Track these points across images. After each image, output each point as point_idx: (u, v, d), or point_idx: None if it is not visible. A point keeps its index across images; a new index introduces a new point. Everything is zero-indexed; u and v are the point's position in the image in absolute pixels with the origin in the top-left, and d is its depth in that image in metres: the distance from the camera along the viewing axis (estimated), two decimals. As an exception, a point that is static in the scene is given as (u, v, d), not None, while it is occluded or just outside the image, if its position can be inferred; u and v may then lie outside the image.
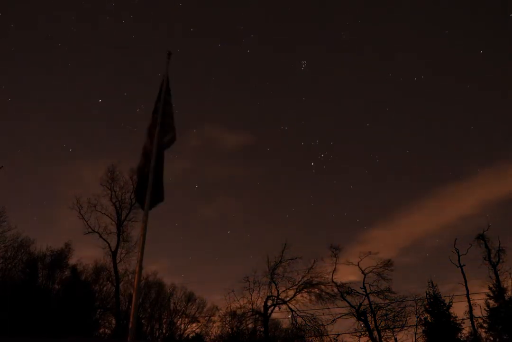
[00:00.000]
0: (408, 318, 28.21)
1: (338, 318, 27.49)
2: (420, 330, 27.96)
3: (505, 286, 26.67)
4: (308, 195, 52.74)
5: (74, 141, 50.84)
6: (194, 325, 32.86)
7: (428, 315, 27.95)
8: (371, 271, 28.33)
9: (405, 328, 28.08)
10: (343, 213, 51.21)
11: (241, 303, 27.78)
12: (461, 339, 26.92)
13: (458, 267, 27.76)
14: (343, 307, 27.88)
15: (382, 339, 27.29)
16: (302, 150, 50.23)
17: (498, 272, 26.78)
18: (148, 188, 4.42)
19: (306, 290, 27.62)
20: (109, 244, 27.03)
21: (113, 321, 28.26)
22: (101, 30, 46.98)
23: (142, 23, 48.66)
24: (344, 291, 28.07)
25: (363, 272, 28.46)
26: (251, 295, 27.79)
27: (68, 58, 47.58)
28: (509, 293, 26.69)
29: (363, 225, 48.79)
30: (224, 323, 30.47)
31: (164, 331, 32.50)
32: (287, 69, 51.05)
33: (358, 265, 28.59)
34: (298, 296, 27.59)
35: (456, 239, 28.50)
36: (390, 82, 48.98)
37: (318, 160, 51.10)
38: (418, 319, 28.20)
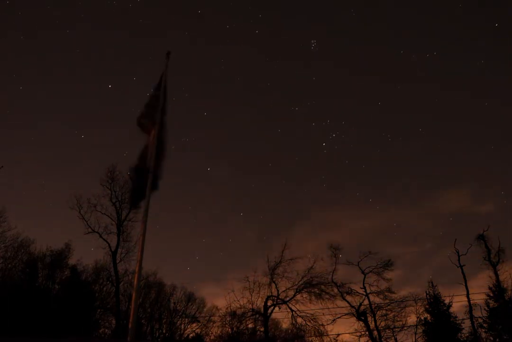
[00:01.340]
0: (408, 318, 28.29)
1: (338, 318, 27.55)
2: (420, 330, 28.01)
3: (505, 286, 26.73)
4: (320, 175, 52.60)
5: (75, 140, 50.77)
6: (194, 325, 32.87)
7: (428, 315, 27.97)
8: (371, 271, 28.39)
9: (405, 328, 28.14)
10: (355, 192, 51.05)
11: (241, 303, 27.85)
12: (461, 339, 26.94)
13: (458, 267, 27.84)
14: (343, 307, 27.94)
15: (382, 339, 27.32)
16: (313, 131, 49.97)
17: (498, 272, 26.84)
18: (148, 189, 4.43)
19: (306, 290, 27.66)
20: (109, 244, 27.08)
21: (113, 321, 28.26)
22: (108, 13, 46.70)
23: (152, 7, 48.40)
24: (344, 291, 28.12)
25: (363, 272, 28.51)
26: (251, 295, 27.85)
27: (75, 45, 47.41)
28: (509, 293, 26.73)
29: (376, 205, 48.63)
30: (224, 323, 30.50)
31: (164, 331, 32.49)
32: (296, 49, 50.64)
33: (358, 265, 28.66)
34: (298, 296, 27.66)
35: (456, 239, 28.59)
36: (402, 60, 48.40)
37: (329, 140, 50.94)
38: (418, 319, 28.26)
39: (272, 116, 51.42)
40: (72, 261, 27.41)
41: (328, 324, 27.28)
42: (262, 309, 27.47)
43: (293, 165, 50.95)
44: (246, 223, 47.86)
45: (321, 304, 27.10)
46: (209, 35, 48.71)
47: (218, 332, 31.41)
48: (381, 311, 27.99)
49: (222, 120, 50.90)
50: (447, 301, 27.85)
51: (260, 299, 27.87)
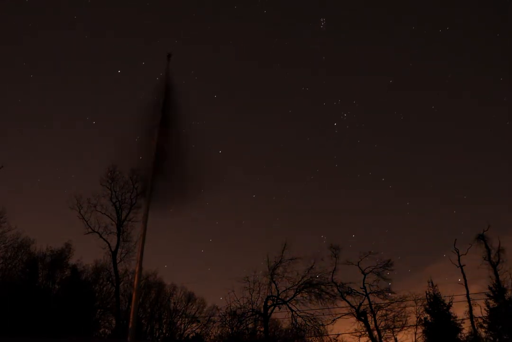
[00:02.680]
0: (408, 318, 28.29)
1: (338, 318, 27.54)
2: (420, 330, 28.02)
3: (505, 286, 26.73)
4: (332, 155, 52.22)
5: (74, 139, 50.72)
6: (194, 325, 32.87)
7: (428, 315, 27.99)
8: (371, 271, 28.39)
9: (405, 328, 28.15)
10: (368, 172, 50.73)
11: (241, 303, 27.84)
12: (461, 339, 26.96)
13: (458, 267, 27.86)
14: (343, 307, 27.95)
15: (382, 339, 27.33)
16: (323, 111, 49.55)
17: (498, 272, 26.84)
18: (148, 189, 4.41)
19: (306, 290, 27.65)
20: (109, 244, 27.09)
21: (113, 321, 28.28)
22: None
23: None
24: (344, 291, 28.11)
25: (363, 272, 28.51)
26: (251, 295, 27.83)
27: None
28: (509, 293, 26.75)
29: (388, 184, 48.25)
30: (224, 323, 30.50)
31: (164, 331, 32.51)
32: (306, 27, 50.23)
33: (358, 265, 28.66)
34: (298, 296, 27.64)
35: (456, 239, 28.61)
36: (413, 36, 47.71)
37: (340, 120, 50.59)
38: (418, 319, 28.26)
39: (282, 97, 50.91)
40: (72, 261, 27.48)
41: (328, 324, 27.30)
42: (262, 309, 27.47)
43: (304, 145, 50.40)
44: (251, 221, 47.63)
45: (321, 304, 27.12)
46: (218, 16, 48.40)
47: (218, 332, 31.46)
48: (381, 311, 28.02)
49: (232, 102, 50.44)
50: (447, 301, 27.93)
51: (260, 299, 27.89)
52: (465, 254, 27.95)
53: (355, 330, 27.51)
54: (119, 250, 27.10)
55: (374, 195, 47.05)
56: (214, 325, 31.50)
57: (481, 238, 27.67)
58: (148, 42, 48.97)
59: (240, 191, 49.09)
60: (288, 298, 27.65)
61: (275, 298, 27.70)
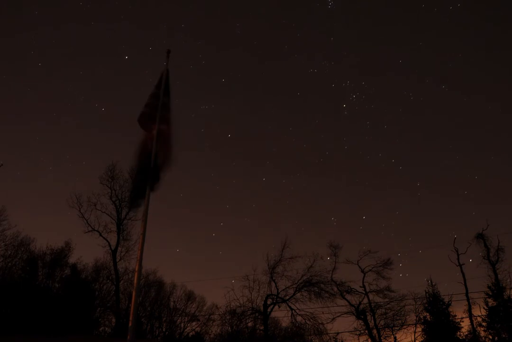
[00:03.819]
0: (408, 316, 28.33)
1: (337, 316, 27.57)
2: (419, 329, 28.06)
3: (504, 284, 26.75)
4: (341, 137, 52.06)
5: (75, 139, 50.77)
6: (194, 323, 32.92)
7: (428, 314, 28.01)
8: (370, 270, 28.42)
9: (405, 326, 28.19)
10: (378, 154, 50.57)
11: (241, 302, 27.87)
12: (460, 338, 27.01)
13: (457, 266, 27.89)
14: (342, 305, 27.97)
15: (382, 338, 27.37)
16: (332, 92, 49.23)
17: (497, 271, 26.86)
18: (148, 188, 4.44)
19: (305, 288, 27.68)
20: (109, 243, 27.14)
21: (113, 320, 28.32)
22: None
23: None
24: (344, 289, 28.14)
25: (362, 271, 28.55)
26: (251, 293, 27.86)
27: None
28: (508, 291, 26.77)
29: (398, 165, 48.01)
30: (223, 321, 30.55)
31: (164, 330, 32.56)
32: (313, 8, 49.89)
33: (357, 263, 28.69)
34: (298, 295, 27.66)
35: (455, 238, 28.64)
36: (423, 14, 47.25)
37: (350, 102, 50.13)
38: (417, 318, 28.29)
39: (290, 79, 50.47)
40: (72, 260, 27.47)
41: (327, 323, 27.32)
42: (261, 308, 27.50)
43: (313, 128, 50.03)
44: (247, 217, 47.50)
45: (321, 302, 27.14)
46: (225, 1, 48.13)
47: (218, 330, 31.52)
48: (380, 309, 28.06)
49: (240, 86, 50.11)
50: (446, 299, 27.97)
51: (259, 297, 27.92)
52: (464, 253, 28.03)
53: (355, 328, 27.62)
54: (119, 249, 27.18)
55: (384, 173, 46.59)
56: (214, 323, 31.59)
57: (480, 237, 27.69)
58: (148, 41, 48.94)
59: (240, 189, 49.11)
60: (287, 297, 27.70)
61: (275, 297, 27.73)
